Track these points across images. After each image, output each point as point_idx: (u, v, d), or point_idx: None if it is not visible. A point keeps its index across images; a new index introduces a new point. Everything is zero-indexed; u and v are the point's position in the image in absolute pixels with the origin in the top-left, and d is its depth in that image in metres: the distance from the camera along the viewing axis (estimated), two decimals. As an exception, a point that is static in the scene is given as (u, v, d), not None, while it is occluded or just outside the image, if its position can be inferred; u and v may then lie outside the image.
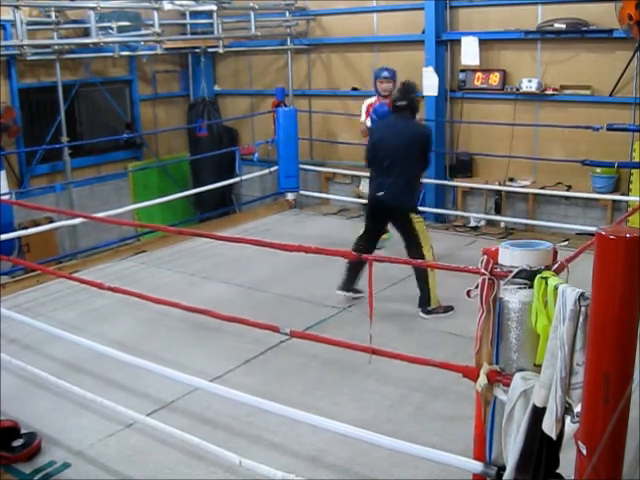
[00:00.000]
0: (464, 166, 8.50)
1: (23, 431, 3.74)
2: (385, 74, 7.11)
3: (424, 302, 5.37)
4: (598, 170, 7.57)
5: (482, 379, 2.45)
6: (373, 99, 7.32)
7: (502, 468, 2.47)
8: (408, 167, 5.38)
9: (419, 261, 5.26)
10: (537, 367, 2.31)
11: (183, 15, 9.88)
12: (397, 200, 5.40)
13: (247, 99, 10.81)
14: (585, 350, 2.07)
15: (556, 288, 2.18)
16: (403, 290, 6.01)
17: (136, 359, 3.83)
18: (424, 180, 8.46)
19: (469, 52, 8.14)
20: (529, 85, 7.89)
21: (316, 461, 3.57)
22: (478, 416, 2.55)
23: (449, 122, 8.59)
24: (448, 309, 5.37)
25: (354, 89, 9.56)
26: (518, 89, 8.01)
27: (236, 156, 9.32)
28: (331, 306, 5.70)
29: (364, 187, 9.36)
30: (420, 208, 8.36)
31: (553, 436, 2.18)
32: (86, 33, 8.49)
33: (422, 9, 8.41)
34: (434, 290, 5.34)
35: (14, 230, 7.44)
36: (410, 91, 5.58)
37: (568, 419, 2.16)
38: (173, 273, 6.74)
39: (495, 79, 8.23)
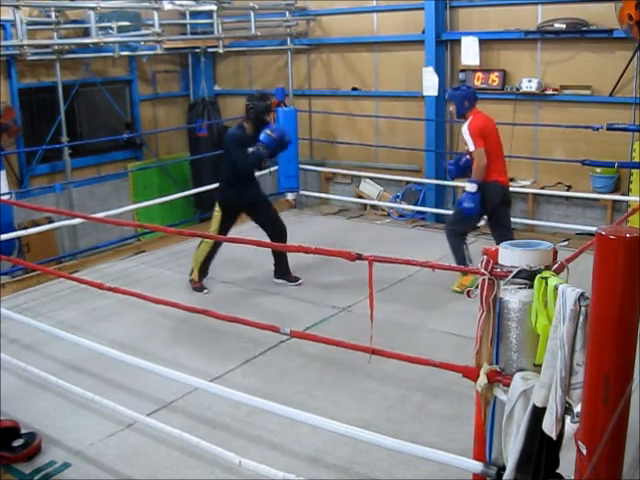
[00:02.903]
0: (464, 166, 8.50)
1: (23, 431, 3.74)
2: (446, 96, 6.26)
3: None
4: (598, 170, 7.57)
5: (482, 379, 2.45)
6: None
7: (502, 468, 2.47)
8: (222, 168, 6.21)
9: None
10: (537, 367, 2.31)
11: (183, 15, 9.88)
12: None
13: (247, 99, 10.80)
14: (585, 350, 2.07)
15: (556, 288, 2.18)
16: (403, 290, 6.02)
17: (136, 359, 3.83)
18: (426, 180, 8.58)
19: (469, 52, 8.14)
20: (529, 85, 7.89)
21: (316, 461, 3.57)
22: (478, 416, 2.55)
23: (449, 122, 8.58)
24: (199, 289, 6.09)
25: (354, 89, 9.56)
26: (518, 89, 8.01)
27: (236, 156, 9.32)
28: (331, 306, 5.70)
29: (364, 187, 9.39)
30: (419, 209, 8.53)
31: (553, 436, 2.18)
32: (86, 33, 8.49)
33: (422, 9, 8.41)
34: (197, 265, 6.14)
35: (14, 230, 7.44)
36: (250, 100, 5.99)
37: (568, 419, 2.16)
38: (173, 273, 6.74)
39: (495, 79, 8.22)
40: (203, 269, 6.16)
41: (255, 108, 5.90)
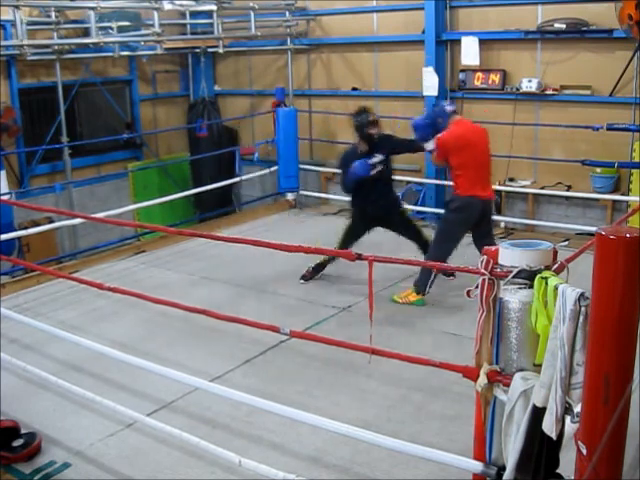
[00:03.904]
0: (464, 166, 8.49)
1: (23, 431, 3.74)
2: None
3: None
4: (598, 170, 7.58)
5: (482, 379, 2.45)
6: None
7: (502, 468, 2.47)
8: None
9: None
10: (537, 367, 2.31)
11: (183, 15, 9.89)
12: None
13: (247, 99, 10.81)
14: (585, 350, 2.07)
15: (556, 288, 2.18)
16: (403, 290, 6.01)
17: (136, 359, 3.83)
18: (426, 180, 8.60)
19: (469, 52, 8.14)
20: (529, 85, 7.89)
21: (316, 461, 3.57)
22: (478, 416, 2.55)
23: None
24: (305, 277, 6.32)
25: (354, 89, 9.56)
26: (518, 89, 8.01)
27: (236, 156, 9.33)
28: (331, 306, 5.70)
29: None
30: (420, 209, 8.52)
31: (553, 436, 2.18)
32: (86, 33, 8.50)
33: (422, 9, 8.41)
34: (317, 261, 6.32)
35: (14, 230, 7.45)
36: (354, 118, 6.07)
37: (568, 419, 2.16)
38: (173, 273, 6.74)
39: (495, 79, 8.23)
40: (316, 268, 6.34)
41: (358, 125, 6.02)
